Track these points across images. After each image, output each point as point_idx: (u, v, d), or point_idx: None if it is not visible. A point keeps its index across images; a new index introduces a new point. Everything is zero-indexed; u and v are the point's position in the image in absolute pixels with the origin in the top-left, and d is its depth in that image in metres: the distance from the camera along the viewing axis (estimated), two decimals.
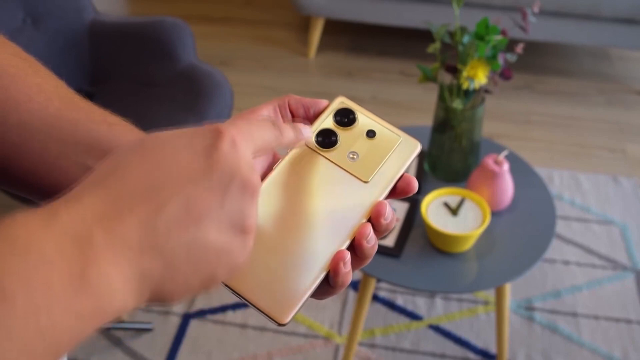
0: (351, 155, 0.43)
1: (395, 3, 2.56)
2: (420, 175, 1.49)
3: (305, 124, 0.43)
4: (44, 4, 1.74)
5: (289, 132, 0.39)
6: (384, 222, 0.41)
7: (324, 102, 0.45)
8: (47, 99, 0.42)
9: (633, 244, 1.97)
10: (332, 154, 0.43)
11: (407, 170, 0.43)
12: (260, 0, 3.20)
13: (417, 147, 0.44)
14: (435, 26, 1.33)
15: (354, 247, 0.40)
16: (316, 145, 0.43)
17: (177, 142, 0.34)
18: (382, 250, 1.33)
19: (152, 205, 0.32)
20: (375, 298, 1.81)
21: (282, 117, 0.43)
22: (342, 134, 0.44)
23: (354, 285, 1.83)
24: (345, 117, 0.45)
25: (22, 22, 1.71)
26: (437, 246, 1.34)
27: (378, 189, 0.42)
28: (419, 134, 1.58)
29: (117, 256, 0.30)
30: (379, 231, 0.41)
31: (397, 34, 2.87)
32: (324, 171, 0.43)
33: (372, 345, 1.70)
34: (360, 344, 1.70)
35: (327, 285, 0.40)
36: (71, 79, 1.76)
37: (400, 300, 1.81)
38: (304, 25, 2.98)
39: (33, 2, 1.73)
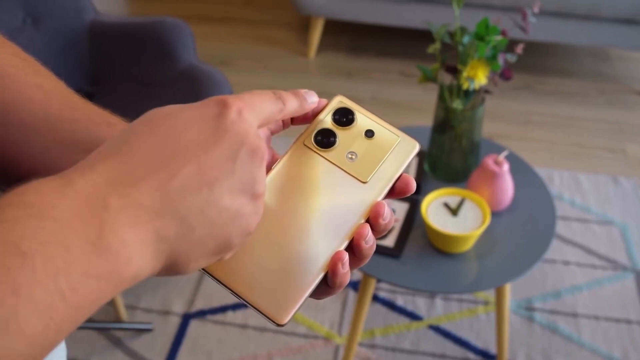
0: (350, 156, 0.43)
1: (395, 3, 2.56)
2: (420, 175, 1.49)
3: (304, 123, 0.44)
4: (44, 4, 1.74)
5: (292, 101, 0.40)
6: (382, 222, 0.41)
7: (323, 101, 0.45)
8: (47, 99, 0.42)
9: (633, 244, 1.97)
10: (330, 153, 0.43)
11: (405, 171, 0.43)
12: (260, 1, 3.20)
13: (416, 147, 0.44)
14: (435, 26, 1.33)
15: (352, 247, 0.40)
16: (315, 145, 0.43)
17: (186, 114, 0.35)
18: (382, 251, 1.33)
19: (165, 173, 0.32)
20: (375, 298, 1.81)
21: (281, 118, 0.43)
22: (340, 133, 0.44)
23: (354, 285, 1.83)
24: (344, 117, 0.45)
25: (22, 22, 1.71)
26: (437, 246, 1.34)
27: (376, 189, 0.42)
28: (419, 134, 1.58)
29: (132, 220, 0.31)
30: (377, 231, 0.41)
31: (397, 34, 2.87)
32: (323, 171, 0.43)
33: (372, 346, 1.70)
34: (360, 344, 1.70)
35: (326, 286, 0.40)
36: (71, 79, 1.76)
37: (400, 301, 1.81)
38: (304, 25, 2.98)
39: (33, 2, 1.73)
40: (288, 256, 0.39)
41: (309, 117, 0.44)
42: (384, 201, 0.42)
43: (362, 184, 0.42)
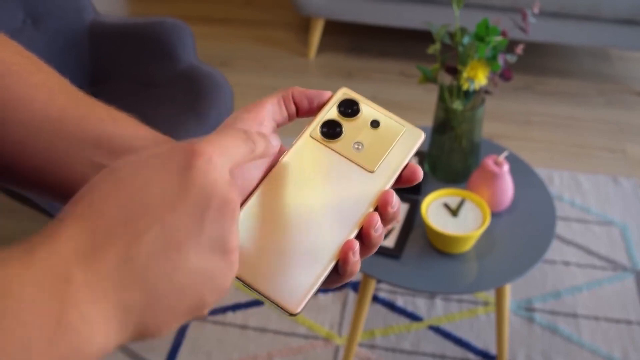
0: (356, 146, 0.44)
1: (395, 4, 2.56)
2: None
3: (308, 116, 0.44)
4: (44, 4, 1.74)
5: (260, 143, 0.39)
6: (391, 210, 0.41)
7: (328, 93, 0.45)
8: (51, 96, 0.41)
9: (633, 245, 1.97)
10: (337, 144, 0.44)
11: (411, 160, 0.44)
12: (260, 1, 3.20)
13: (421, 136, 0.45)
14: (435, 27, 1.33)
15: (362, 236, 0.41)
16: (321, 136, 0.44)
17: (150, 167, 0.33)
18: (382, 251, 1.33)
19: (129, 237, 0.31)
20: (375, 299, 1.81)
21: (286, 109, 0.44)
22: (346, 124, 0.44)
23: (354, 286, 1.83)
24: (349, 108, 0.45)
25: (22, 22, 1.71)
26: (437, 247, 1.34)
27: (384, 178, 0.43)
28: None
29: (96, 294, 0.30)
30: (386, 220, 0.41)
31: (397, 35, 2.87)
32: (330, 162, 0.43)
33: (372, 346, 1.70)
34: (360, 344, 1.70)
35: (336, 274, 0.40)
36: (71, 80, 1.75)
37: (400, 301, 1.81)
38: (304, 25, 2.98)
39: (33, 3, 1.73)
40: (298, 246, 0.40)
41: (314, 109, 0.44)
42: (392, 190, 0.42)
43: (369, 173, 0.43)
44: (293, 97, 0.44)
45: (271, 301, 0.38)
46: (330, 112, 0.45)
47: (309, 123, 0.44)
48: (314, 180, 0.42)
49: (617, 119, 2.51)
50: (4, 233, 2.01)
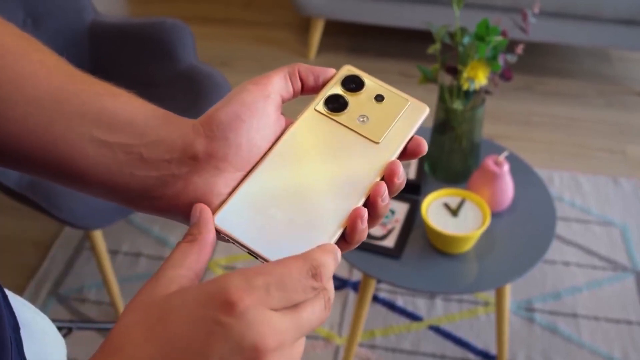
0: (361, 119, 0.44)
1: (395, 4, 2.56)
2: (420, 176, 1.49)
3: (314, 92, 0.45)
4: (44, 4, 1.74)
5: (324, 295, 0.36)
6: (397, 181, 0.42)
7: (332, 70, 0.45)
8: (50, 74, 0.42)
9: (633, 245, 1.97)
10: (342, 117, 0.44)
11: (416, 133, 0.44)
12: (260, 1, 3.20)
13: (426, 110, 0.45)
14: (435, 27, 1.33)
15: (369, 205, 0.41)
16: (326, 109, 0.44)
17: (182, 317, 0.33)
18: (382, 251, 1.33)
19: None
20: (376, 299, 1.81)
21: (292, 84, 0.44)
22: (351, 99, 0.45)
23: (354, 286, 1.83)
24: (353, 83, 0.45)
25: (22, 22, 1.71)
26: (437, 247, 1.34)
27: (390, 149, 0.43)
28: (419, 134, 1.58)
29: None
30: (392, 191, 0.42)
31: (397, 35, 2.87)
32: (336, 134, 0.43)
33: (372, 346, 1.70)
34: (361, 344, 1.70)
35: (343, 242, 0.41)
36: None
37: (400, 301, 1.81)
38: (304, 26, 2.98)
39: (33, 3, 1.73)
40: (307, 215, 0.40)
41: (319, 86, 0.45)
42: (398, 160, 0.43)
43: (375, 144, 0.43)
44: (299, 73, 0.44)
45: None
46: (335, 87, 0.45)
47: (314, 98, 0.45)
48: (320, 151, 0.42)
49: (617, 119, 2.51)
50: (5, 232, 2.01)
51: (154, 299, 0.34)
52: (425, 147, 0.43)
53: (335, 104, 0.44)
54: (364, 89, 0.45)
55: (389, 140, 0.43)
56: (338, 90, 0.45)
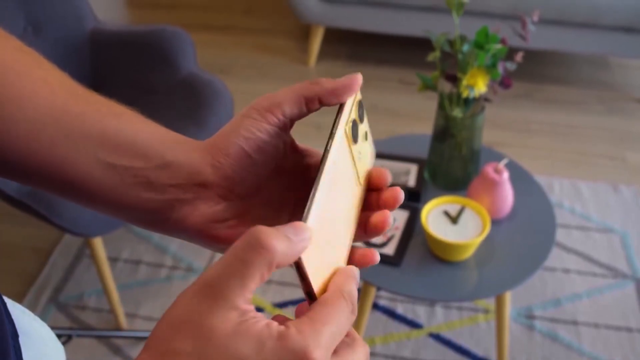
0: (359, 155, 0.42)
1: (395, 12, 2.57)
2: (420, 183, 1.49)
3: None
4: (44, 12, 1.75)
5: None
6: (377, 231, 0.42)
7: (355, 85, 0.41)
8: (53, 93, 0.41)
9: (633, 252, 1.97)
10: (354, 147, 0.41)
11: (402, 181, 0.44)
12: (260, 9, 3.21)
13: (374, 157, 0.45)
14: (434, 35, 1.33)
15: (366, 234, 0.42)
16: (351, 135, 0.40)
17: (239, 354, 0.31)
18: (382, 259, 1.33)
19: None
20: (375, 306, 1.81)
21: (308, 107, 0.41)
22: (359, 127, 0.42)
23: None
24: (362, 110, 0.43)
25: (23, 30, 1.72)
26: (437, 254, 1.34)
27: (362, 194, 0.42)
28: (418, 142, 1.58)
29: None
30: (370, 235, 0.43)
31: (397, 43, 2.88)
32: (349, 165, 0.41)
33: (372, 354, 1.69)
34: None
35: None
36: None
37: (400, 309, 1.81)
38: (304, 33, 2.99)
39: (34, 11, 1.73)
40: (339, 243, 0.39)
41: (339, 99, 0.42)
42: (387, 212, 0.42)
43: (358, 186, 0.42)
44: (319, 99, 0.41)
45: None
46: (353, 111, 0.42)
47: (341, 114, 0.40)
48: (345, 184, 0.40)
49: (617, 126, 2.51)
50: (5, 239, 2.01)
51: (214, 337, 0.31)
52: (389, 179, 0.43)
53: (354, 131, 0.41)
54: (364, 120, 0.43)
55: (363, 184, 0.42)
56: (355, 115, 0.41)
